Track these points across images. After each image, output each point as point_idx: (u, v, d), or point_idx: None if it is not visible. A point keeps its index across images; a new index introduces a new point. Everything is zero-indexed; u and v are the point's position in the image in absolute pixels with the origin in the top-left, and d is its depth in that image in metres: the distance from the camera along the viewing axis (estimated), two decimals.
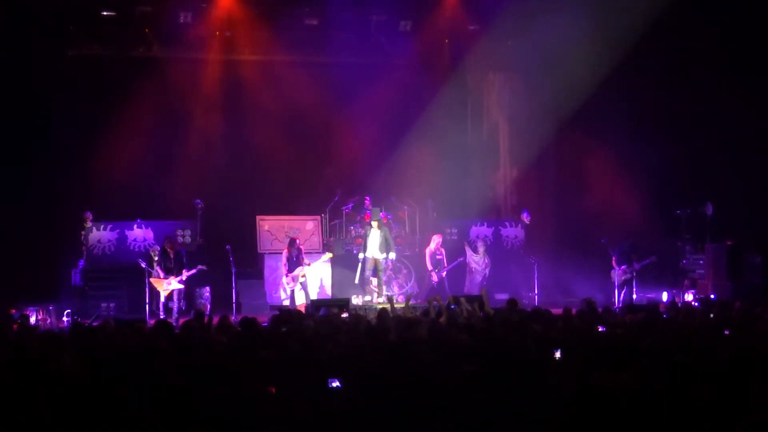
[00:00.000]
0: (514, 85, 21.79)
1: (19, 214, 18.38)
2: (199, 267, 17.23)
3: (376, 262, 18.02)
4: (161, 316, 16.09)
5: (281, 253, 18.30)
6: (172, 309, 16.84)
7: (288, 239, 18.44)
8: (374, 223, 17.99)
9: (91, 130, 19.07)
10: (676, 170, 20.27)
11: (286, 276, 17.94)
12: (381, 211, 18.72)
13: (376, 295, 18.26)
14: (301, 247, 18.20)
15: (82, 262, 18.95)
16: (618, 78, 20.07)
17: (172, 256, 17.11)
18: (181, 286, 16.98)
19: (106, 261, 18.98)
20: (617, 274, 18.56)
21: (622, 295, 18.31)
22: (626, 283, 18.47)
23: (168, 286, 16.87)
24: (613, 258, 18.69)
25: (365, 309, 16.26)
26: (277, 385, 7.20)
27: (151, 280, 16.97)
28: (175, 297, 16.99)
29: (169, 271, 16.94)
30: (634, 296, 18.29)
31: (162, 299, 16.92)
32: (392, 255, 18.25)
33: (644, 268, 18.44)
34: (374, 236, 17.96)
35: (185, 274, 16.92)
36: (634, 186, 20.11)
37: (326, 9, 20.14)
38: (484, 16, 20.53)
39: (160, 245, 17.72)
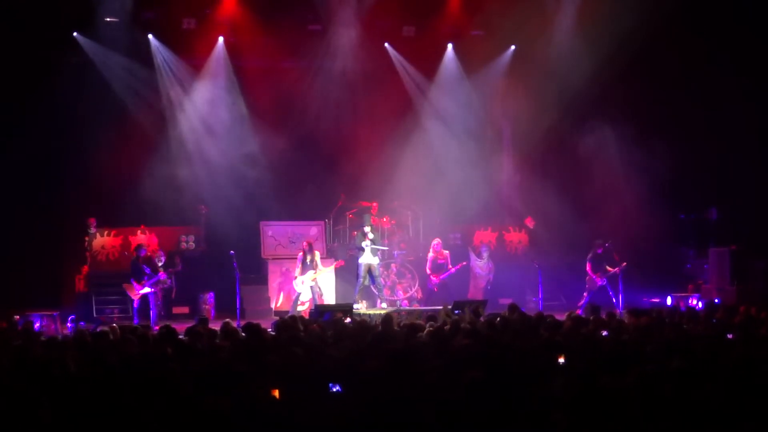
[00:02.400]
0: (518, 90, 21.77)
1: (23, 221, 18.39)
2: (170, 270, 17.60)
3: (370, 267, 17.98)
4: (135, 321, 16.09)
5: (284, 259, 18.31)
6: (148, 314, 16.97)
7: (303, 242, 18.41)
8: (367, 229, 17.93)
9: (95, 137, 19.05)
10: (680, 175, 20.25)
11: (296, 279, 17.97)
12: (372, 217, 18.73)
13: (379, 300, 18.24)
14: (317, 251, 18.21)
15: (85, 268, 18.99)
16: (622, 82, 20.06)
17: (141, 264, 17.29)
18: (150, 289, 17.15)
19: (110, 267, 18.99)
20: (591, 281, 18.59)
21: (618, 299, 18.36)
22: (602, 290, 18.52)
23: (139, 291, 17.01)
24: (588, 264, 18.69)
25: (369, 315, 16.25)
26: (281, 390, 7.20)
27: (124, 285, 17.17)
28: (150, 302, 17.11)
29: (141, 279, 17.10)
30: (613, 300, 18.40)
31: (135, 305, 17.08)
32: (376, 260, 18.20)
33: (616, 275, 18.46)
34: (367, 242, 17.91)
35: (153, 279, 17.19)
36: (638, 191, 20.08)
37: (329, 15, 20.16)
38: (486, 21, 20.53)
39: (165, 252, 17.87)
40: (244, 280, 18.03)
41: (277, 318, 15.10)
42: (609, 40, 18.89)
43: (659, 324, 11.71)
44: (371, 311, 17.26)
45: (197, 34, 20.10)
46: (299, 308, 17.73)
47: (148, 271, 17.17)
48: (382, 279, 18.87)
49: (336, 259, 19.31)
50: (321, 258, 18.90)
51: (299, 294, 17.95)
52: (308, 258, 17.91)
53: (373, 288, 18.24)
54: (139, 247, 17.78)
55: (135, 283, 17.05)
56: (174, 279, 19.16)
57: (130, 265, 17.34)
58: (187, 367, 7.94)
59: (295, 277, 18.04)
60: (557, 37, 20.56)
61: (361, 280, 17.92)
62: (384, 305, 17.95)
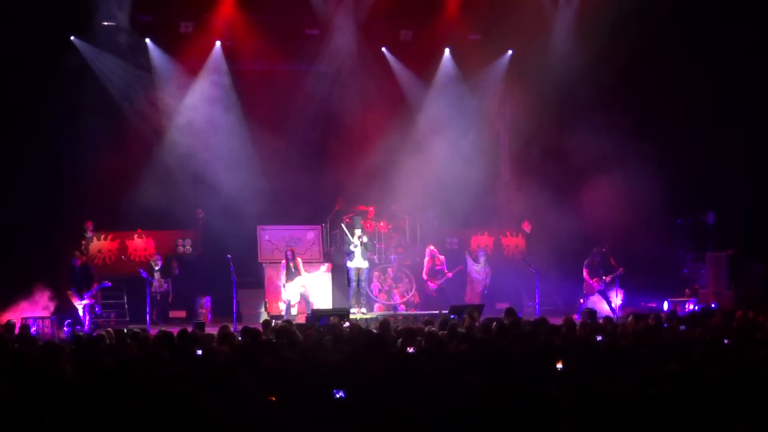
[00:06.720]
0: (516, 93, 21.81)
1: (20, 223, 18.33)
2: (104, 284, 17.26)
3: (359, 271, 17.87)
4: (77, 328, 16.00)
5: (281, 263, 18.26)
6: (84, 323, 16.80)
7: (286, 250, 18.40)
8: (357, 232, 17.86)
9: (92, 140, 19.01)
10: (677, 179, 20.26)
11: (284, 287, 17.90)
12: (363, 220, 18.64)
13: (355, 305, 17.80)
14: (299, 258, 18.18)
15: None
16: (619, 87, 20.08)
17: (78, 271, 17.18)
18: (88, 301, 16.99)
19: (107, 271, 18.96)
20: (589, 286, 18.61)
21: (614, 304, 18.38)
22: (601, 294, 18.53)
23: (80, 302, 16.92)
24: (585, 271, 18.70)
25: (366, 321, 16.22)
26: (278, 395, 7.19)
27: (68, 293, 17.01)
28: (86, 311, 16.97)
29: (80, 290, 16.99)
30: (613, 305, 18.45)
31: (81, 313, 16.92)
32: (366, 264, 18.09)
33: (614, 279, 18.48)
34: (359, 246, 17.78)
35: (91, 291, 17.02)
36: (635, 195, 20.08)
37: (326, 19, 20.17)
38: (484, 25, 20.56)
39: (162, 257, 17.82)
40: (241, 284, 17.99)
41: (267, 319, 15.12)
42: (606, 45, 18.90)
43: (656, 328, 11.73)
44: (362, 316, 17.15)
45: (194, 38, 20.09)
46: (293, 311, 17.73)
47: (94, 288, 17.10)
48: (378, 283, 18.83)
49: (329, 263, 19.28)
50: (317, 261, 18.97)
51: (289, 301, 17.86)
52: (291, 265, 17.89)
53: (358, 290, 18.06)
54: (72, 256, 17.51)
55: (75, 294, 16.93)
56: (171, 283, 19.17)
57: (69, 274, 17.19)
58: (185, 371, 7.94)
59: (282, 286, 17.98)
60: (554, 42, 20.60)
61: (354, 284, 17.82)
62: (363, 310, 17.73)
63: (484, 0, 20.01)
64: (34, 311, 16.53)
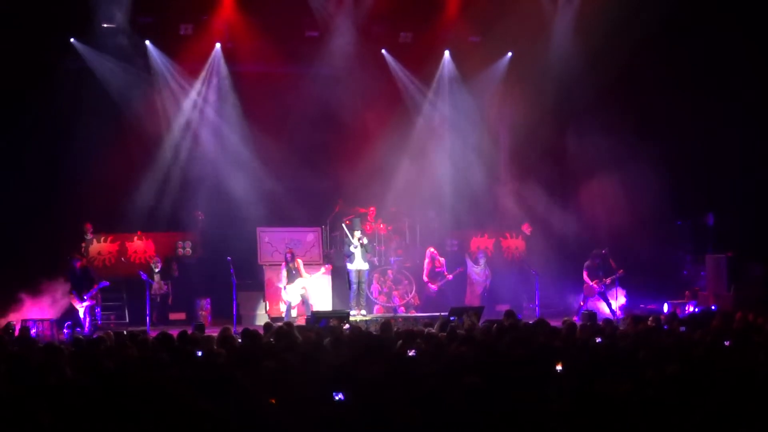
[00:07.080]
0: (515, 95, 21.81)
1: (19, 226, 18.34)
2: (102, 283, 17.17)
3: (359, 273, 17.81)
4: (77, 330, 15.92)
5: (281, 265, 18.24)
6: (84, 325, 16.69)
7: (285, 252, 18.36)
8: (357, 234, 17.82)
9: (92, 142, 19.01)
10: (677, 180, 20.27)
11: (284, 289, 17.86)
12: (361, 222, 18.58)
13: (355, 306, 17.76)
14: (299, 259, 18.16)
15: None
16: (619, 89, 20.09)
17: (78, 273, 17.05)
18: (89, 302, 16.88)
19: (106, 273, 18.95)
20: (589, 288, 18.62)
21: (615, 306, 18.39)
22: (601, 296, 18.55)
23: (81, 304, 16.81)
24: (585, 273, 18.70)
25: (366, 323, 16.20)
26: (278, 397, 7.18)
27: (69, 295, 16.92)
28: (86, 313, 16.87)
29: (80, 291, 16.88)
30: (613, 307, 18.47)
31: (81, 315, 16.81)
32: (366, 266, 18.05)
33: (614, 281, 18.49)
34: (359, 247, 17.74)
35: (91, 292, 16.91)
36: (635, 197, 20.09)
37: (326, 21, 20.18)
38: (483, 27, 20.57)
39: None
40: (241, 286, 18.00)
41: (268, 321, 15.09)
42: (606, 45, 18.91)
43: (656, 330, 11.74)
44: (362, 318, 17.12)
45: (194, 40, 20.09)
46: (292, 313, 17.71)
47: (94, 289, 16.99)
48: (378, 285, 18.79)
49: (328, 265, 19.26)
50: (317, 263, 18.95)
51: (290, 302, 17.83)
52: (291, 266, 17.86)
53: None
54: (73, 258, 17.42)
55: (76, 296, 16.84)
56: (171, 285, 19.17)
57: (70, 276, 17.08)
58: (185, 373, 7.93)
59: (283, 288, 17.93)
60: (554, 44, 20.61)
61: (355, 286, 17.76)
62: (363, 312, 17.70)
63: (483, 2, 19.99)
64: (40, 312, 16.52)
